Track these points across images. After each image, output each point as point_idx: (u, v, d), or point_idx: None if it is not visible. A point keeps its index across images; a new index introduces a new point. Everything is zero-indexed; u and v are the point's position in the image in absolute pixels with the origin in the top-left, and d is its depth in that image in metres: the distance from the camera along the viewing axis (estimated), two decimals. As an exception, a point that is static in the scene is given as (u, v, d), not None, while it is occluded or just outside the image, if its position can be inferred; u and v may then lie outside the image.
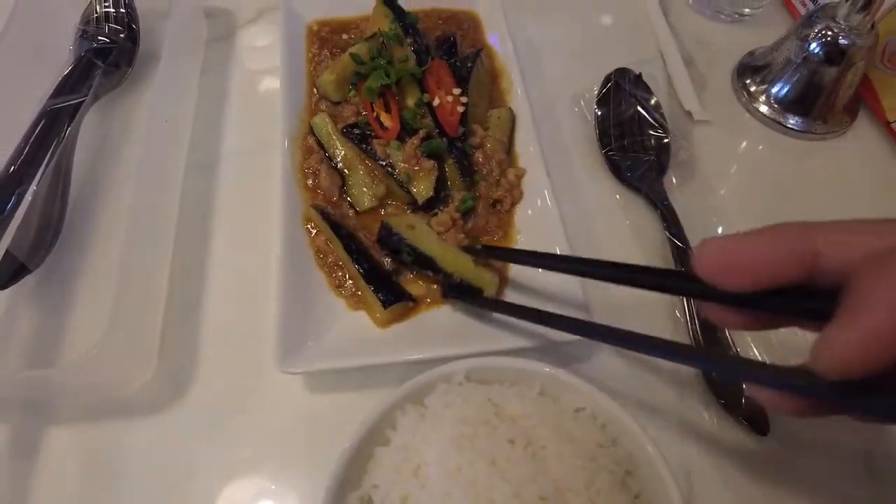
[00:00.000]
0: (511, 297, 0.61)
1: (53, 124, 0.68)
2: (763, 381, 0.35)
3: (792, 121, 0.78)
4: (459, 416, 0.44)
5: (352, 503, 0.44)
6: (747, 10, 0.91)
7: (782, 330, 0.60)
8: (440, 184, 0.65)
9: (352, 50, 0.71)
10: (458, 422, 0.44)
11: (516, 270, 0.63)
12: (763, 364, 0.39)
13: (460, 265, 0.60)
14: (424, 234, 0.62)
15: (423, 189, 0.64)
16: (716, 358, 0.44)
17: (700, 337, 0.61)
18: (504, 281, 0.62)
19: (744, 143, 0.80)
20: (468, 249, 0.61)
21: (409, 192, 0.65)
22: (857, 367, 0.27)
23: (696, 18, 0.92)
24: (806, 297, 0.32)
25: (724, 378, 0.57)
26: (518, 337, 0.57)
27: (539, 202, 0.65)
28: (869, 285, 0.28)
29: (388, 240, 0.61)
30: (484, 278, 0.59)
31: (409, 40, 0.70)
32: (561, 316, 0.51)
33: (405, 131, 0.67)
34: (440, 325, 0.59)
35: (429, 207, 0.65)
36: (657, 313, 0.64)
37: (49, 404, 0.58)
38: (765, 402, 0.36)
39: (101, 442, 0.57)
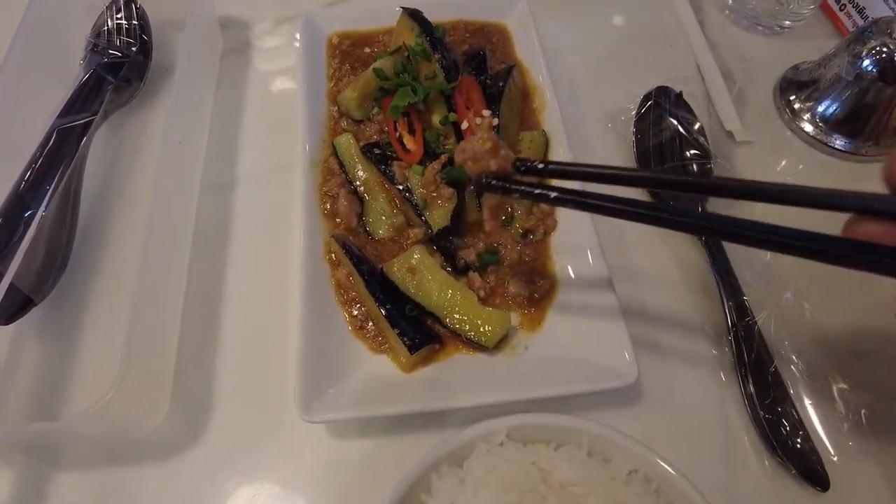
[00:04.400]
0: (545, 340, 0.57)
1: (62, 144, 0.64)
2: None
3: (839, 142, 0.74)
4: (503, 484, 0.40)
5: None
6: (787, 23, 0.86)
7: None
8: (458, 214, 0.61)
9: (375, 65, 0.67)
10: (503, 490, 0.40)
11: (553, 313, 0.59)
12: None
13: (467, 310, 0.56)
14: (427, 280, 0.57)
15: (438, 218, 0.60)
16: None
17: (751, 380, 0.57)
18: (538, 321, 0.58)
19: (787, 164, 0.75)
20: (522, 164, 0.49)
21: (424, 219, 0.61)
22: None
23: (732, 30, 0.87)
24: None
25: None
26: (555, 384, 0.53)
27: (575, 230, 0.61)
28: None
29: (390, 292, 0.57)
30: (492, 321, 0.55)
31: (437, 56, 0.66)
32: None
33: (426, 154, 0.63)
34: (470, 369, 0.55)
35: (443, 237, 0.61)
36: (705, 355, 0.60)
37: (57, 448, 0.55)
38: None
39: (111, 487, 0.54)
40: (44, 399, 0.57)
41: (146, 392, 0.54)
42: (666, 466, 0.43)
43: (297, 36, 0.76)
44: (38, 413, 0.56)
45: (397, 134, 0.64)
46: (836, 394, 0.57)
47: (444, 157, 0.61)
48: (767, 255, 0.66)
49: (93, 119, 0.66)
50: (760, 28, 0.87)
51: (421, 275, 0.57)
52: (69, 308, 0.61)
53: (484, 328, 0.55)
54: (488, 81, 0.68)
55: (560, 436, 0.44)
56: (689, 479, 0.43)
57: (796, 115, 0.77)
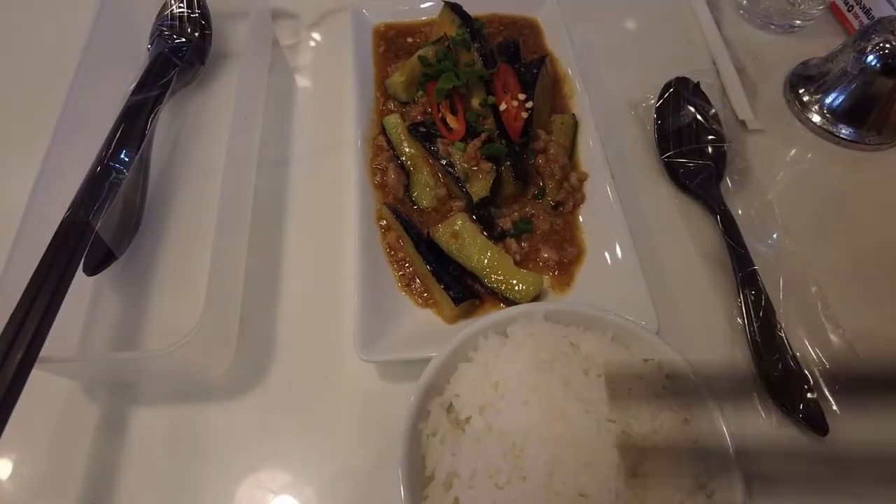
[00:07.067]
0: (574, 300, 0.64)
1: (137, 116, 0.71)
2: None
3: (845, 131, 0.80)
4: (539, 344, 0.49)
5: (434, 408, 0.49)
6: (798, 22, 0.92)
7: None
8: (496, 186, 0.67)
9: (420, 53, 0.74)
10: (538, 348, 0.48)
11: (581, 277, 0.65)
12: None
13: (504, 271, 0.62)
14: (468, 243, 0.63)
15: (478, 189, 0.67)
16: None
17: (759, 339, 0.62)
18: (567, 283, 0.64)
19: (795, 152, 0.81)
20: None
21: (465, 190, 0.67)
22: None
23: (746, 28, 0.93)
24: None
25: None
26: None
27: (602, 204, 0.67)
28: None
29: (435, 253, 0.63)
30: (527, 281, 0.61)
31: (476, 45, 0.73)
32: None
33: (467, 132, 0.70)
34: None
35: (482, 207, 0.67)
36: (717, 317, 0.66)
37: (135, 386, 0.61)
38: None
39: (181, 423, 0.60)
40: (122, 340, 0.63)
41: (216, 339, 0.60)
42: (676, 359, 0.50)
43: (342, 27, 0.83)
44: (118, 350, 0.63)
45: (440, 115, 0.71)
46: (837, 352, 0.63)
47: (484, 135, 0.68)
48: (775, 235, 0.72)
49: (162, 94, 0.73)
50: (773, 27, 0.93)
51: (463, 239, 0.63)
52: (142, 264, 0.68)
53: (519, 287, 0.61)
54: (522, 69, 0.75)
55: (589, 322, 0.53)
56: (700, 374, 0.49)
57: (805, 106, 0.83)
